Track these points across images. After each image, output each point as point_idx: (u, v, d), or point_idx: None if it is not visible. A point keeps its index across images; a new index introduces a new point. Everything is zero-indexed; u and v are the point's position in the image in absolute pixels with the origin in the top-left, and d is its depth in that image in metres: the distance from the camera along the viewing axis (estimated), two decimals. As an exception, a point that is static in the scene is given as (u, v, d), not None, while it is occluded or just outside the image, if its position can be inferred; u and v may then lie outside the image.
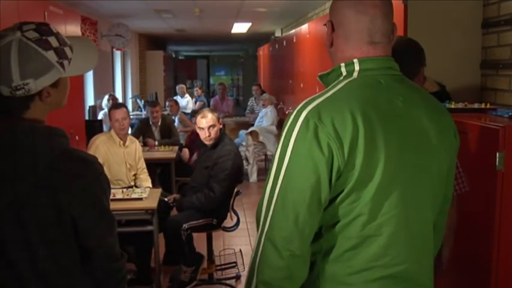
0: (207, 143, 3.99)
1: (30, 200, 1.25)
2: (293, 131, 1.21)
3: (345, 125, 1.18)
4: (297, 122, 1.21)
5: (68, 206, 1.28)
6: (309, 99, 1.26)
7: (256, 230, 1.26)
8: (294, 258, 1.20)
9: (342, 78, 1.32)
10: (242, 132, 8.21)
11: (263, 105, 8.26)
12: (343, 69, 1.32)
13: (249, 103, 9.75)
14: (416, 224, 1.30)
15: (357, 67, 1.30)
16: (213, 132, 3.93)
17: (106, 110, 7.09)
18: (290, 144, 1.20)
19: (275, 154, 1.24)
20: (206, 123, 3.92)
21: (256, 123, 8.23)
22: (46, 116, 1.35)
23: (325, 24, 1.43)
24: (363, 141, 1.19)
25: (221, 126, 4.01)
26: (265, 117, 8.07)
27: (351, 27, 1.31)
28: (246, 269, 4.17)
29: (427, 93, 1.42)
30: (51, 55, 1.29)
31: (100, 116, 7.17)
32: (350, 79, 1.29)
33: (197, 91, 11.77)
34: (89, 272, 1.38)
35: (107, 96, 7.47)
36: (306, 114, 1.20)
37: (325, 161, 1.18)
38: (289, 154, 1.20)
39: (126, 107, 4.52)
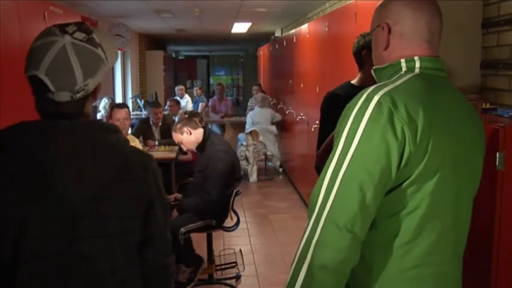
0: (190, 149, 4.12)
1: (110, 193, 1.28)
2: (364, 113, 1.21)
3: (417, 113, 1.20)
4: (368, 105, 1.21)
5: (143, 195, 1.33)
6: (377, 85, 1.28)
7: (309, 213, 1.23)
8: (355, 241, 1.19)
9: (403, 72, 1.33)
10: (242, 135, 8.23)
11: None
12: (404, 65, 1.34)
13: (249, 103, 9.75)
14: (461, 224, 1.35)
15: (417, 64, 1.33)
16: (185, 145, 4.03)
17: (103, 112, 6.95)
18: (361, 126, 1.20)
19: (340, 135, 1.23)
20: (176, 141, 4.11)
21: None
22: (90, 111, 1.39)
23: (371, 31, 1.44)
24: (432, 132, 1.21)
25: (189, 134, 3.96)
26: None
27: (410, 26, 1.33)
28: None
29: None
30: (101, 51, 1.31)
31: (98, 117, 7.11)
32: (413, 74, 1.32)
33: (197, 91, 11.63)
34: (142, 266, 1.39)
35: (106, 100, 7.12)
36: (379, 99, 1.21)
37: (397, 145, 1.18)
38: (359, 136, 1.20)
39: (128, 108, 4.53)
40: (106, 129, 1.32)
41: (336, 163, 1.21)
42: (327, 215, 1.19)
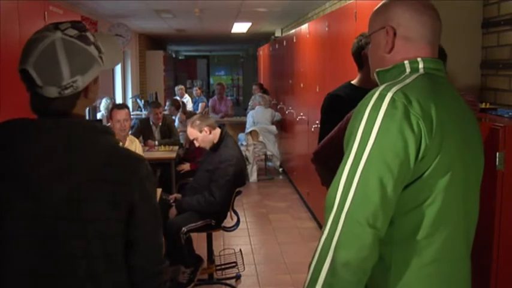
0: (203, 146, 4.07)
1: (88, 195, 1.25)
2: (379, 110, 1.22)
3: (430, 108, 1.23)
4: (382, 102, 1.23)
5: (124, 199, 1.28)
6: (388, 83, 1.29)
7: (326, 214, 1.23)
8: (376, 237, 1.19)
9: (407, 73, 1.35)
10: (242, 134, 8.22)
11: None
12: (407, 66, 1.36)
13: (249, 103, 9.74)
14: (471, 221, 1.38)
15: (421, 65, 1.35)
16: (200, 142, 4.00)
17: (103, 112, 7.00)
18: (376, 123, 1.21)
19: (355, 134, 1.24)
20: (190, 136, 4.06)
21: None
22: (85, 112, 1.37)
23: (370, 34, 1.44)
24: (443, 128, 1.24)
25: (208, 133, 3.97)
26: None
27: (414, 28, 1.36)
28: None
29: None
30: (93, 50, 1.30)
31: (98, 117, 7.13)
32: (419, 73, 1.34)
33: (196, 91, 11.62)
34: (129, 273, 1.36)
35: (108, 100, 7.18)
36: (392, 95, 1.23)
37: (414, 139, 1.20)
38: (375, 132, 1.21)
39: (128, 108, 4.51)
40: (92, 129, 1.29)
41: (353, 161, 1.22)
42: (347, 212, 1.19)
